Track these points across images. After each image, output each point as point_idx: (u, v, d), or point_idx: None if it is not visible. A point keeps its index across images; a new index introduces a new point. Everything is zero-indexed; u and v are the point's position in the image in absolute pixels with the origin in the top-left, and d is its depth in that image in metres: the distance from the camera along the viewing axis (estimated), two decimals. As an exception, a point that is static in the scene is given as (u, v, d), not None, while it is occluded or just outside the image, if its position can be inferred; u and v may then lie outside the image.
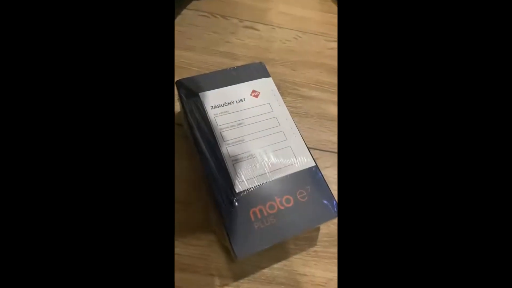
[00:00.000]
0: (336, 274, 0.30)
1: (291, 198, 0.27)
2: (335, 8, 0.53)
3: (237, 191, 0.27)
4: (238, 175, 0.27)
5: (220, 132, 0.29)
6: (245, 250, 0.24)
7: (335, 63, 0.46)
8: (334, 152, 0.38)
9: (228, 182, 0.27)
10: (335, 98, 0.42)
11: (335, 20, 0.51)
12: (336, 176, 0.36)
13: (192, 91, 0.31)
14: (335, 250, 0.31)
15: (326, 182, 0.28)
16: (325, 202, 0.27)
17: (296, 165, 0.29)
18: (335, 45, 0.48)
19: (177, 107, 0.36)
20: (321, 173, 0.29)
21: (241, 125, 0.30)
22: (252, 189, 0.27)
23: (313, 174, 0.28)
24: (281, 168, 0.28)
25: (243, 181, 0.27)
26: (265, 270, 0.29)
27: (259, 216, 0.26)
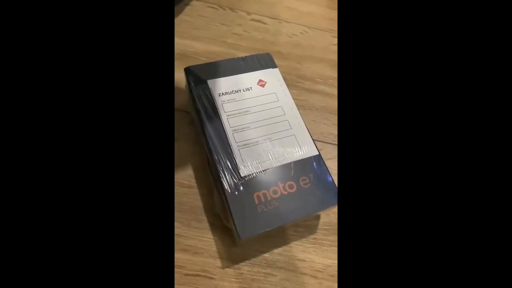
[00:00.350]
0: (334, 261, 0.31)
1: (294, 184, 0.28)
2: (341, 5, 0.53)
3: (242, 175, 0.27)
4: (244, 160, 0.28)
5: (227, 118, 0.30)
6: (248, 231, 0.25)
7: (340, 58, 0.46)
8: (337, 145, 0.38)
9: (234, 166, 0.28)
10: (338, 92, 0.43)
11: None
12: (337, 168, 0.36)
13: (201, 78, 0.32)
14: (334, 238, 0.32)
15: (328, 171, 0.29)
16: (326, 190, 0.28)
17: (300, 153, 0.29)
18: (340, 41, 0.48)
19: (185, 94, 0.36)
20: (324, 162, 0.30)
21: (248, 112, 0.31)
22: (256, 174, 0.28)
23: (316, 163, 0.29)
24: (285, 155, 0.29)
25: (248, 166, 0.28)
26: (266, 255, 0.30)
27: (262, 199, 0.27)
